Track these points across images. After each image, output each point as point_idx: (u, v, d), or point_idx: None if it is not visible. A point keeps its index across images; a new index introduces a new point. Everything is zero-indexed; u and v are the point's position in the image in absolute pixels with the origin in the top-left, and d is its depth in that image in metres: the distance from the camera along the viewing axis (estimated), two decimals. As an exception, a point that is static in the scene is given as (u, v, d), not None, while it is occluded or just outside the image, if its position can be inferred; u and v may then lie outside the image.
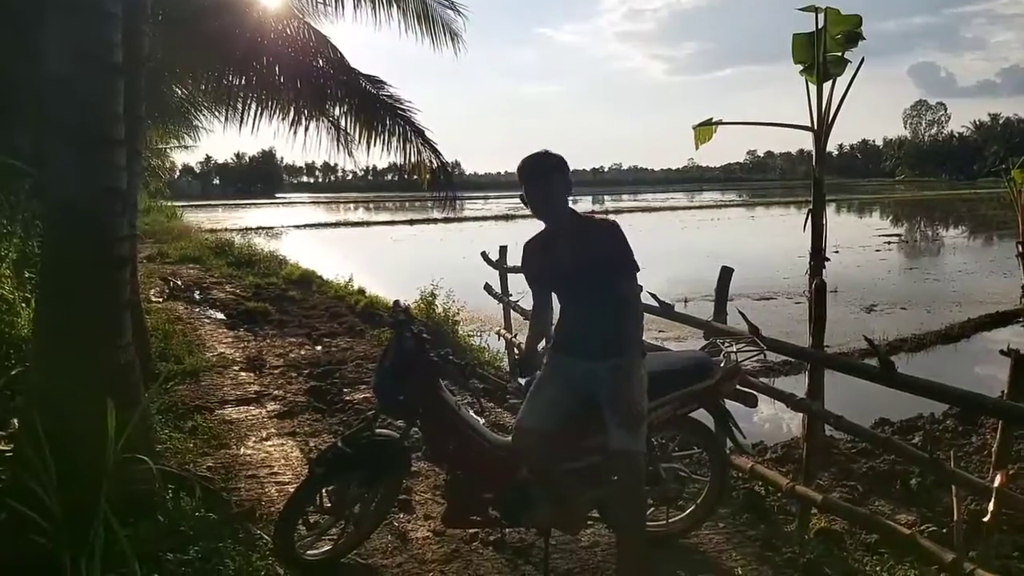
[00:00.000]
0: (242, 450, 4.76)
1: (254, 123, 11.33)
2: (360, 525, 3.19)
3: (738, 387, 4.13)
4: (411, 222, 40.30)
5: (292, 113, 10.76)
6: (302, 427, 5.20)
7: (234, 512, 3.60)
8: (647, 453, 3.01)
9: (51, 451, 3.13)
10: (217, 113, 14.04)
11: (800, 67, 5.65)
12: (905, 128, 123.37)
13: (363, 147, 11.08)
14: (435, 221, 40.68)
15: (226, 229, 33.69)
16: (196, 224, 30.91)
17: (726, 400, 4.33)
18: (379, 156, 11.29)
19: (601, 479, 3.02)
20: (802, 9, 5.40)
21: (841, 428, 3.59)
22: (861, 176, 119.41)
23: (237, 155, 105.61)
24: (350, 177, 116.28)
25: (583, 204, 68.27)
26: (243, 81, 10.84)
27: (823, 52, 5.41)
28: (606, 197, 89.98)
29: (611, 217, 3.24)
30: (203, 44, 9.78)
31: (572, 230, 2.98)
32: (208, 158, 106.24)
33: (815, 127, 5.51)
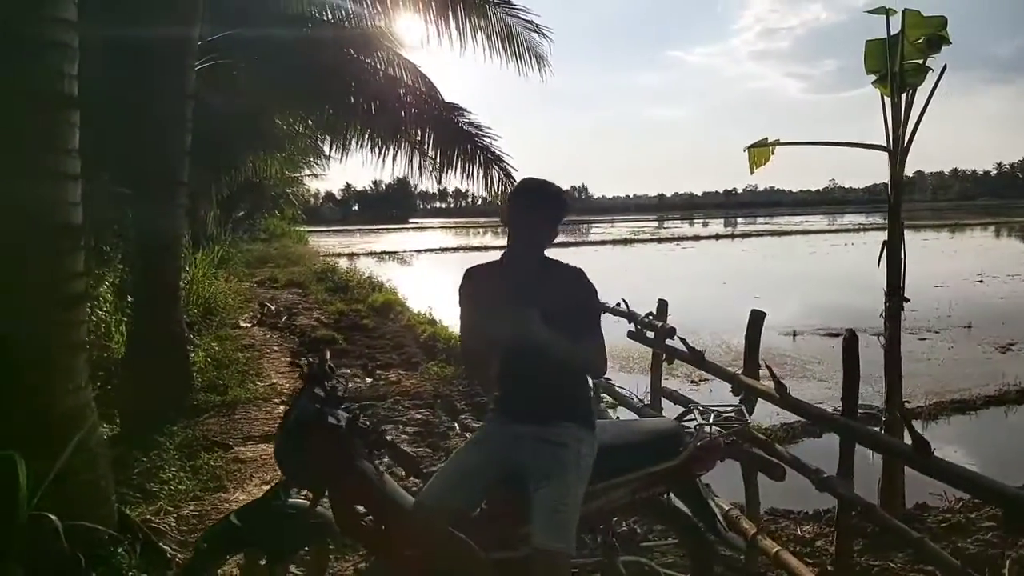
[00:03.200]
0: (236, 494, 4.54)
1: (343, 152, 11.65)
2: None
3: (765, 456, 3.54)
4: (528, 246, 40.17)
5: (380, 141, 10.92)
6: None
7: (170, 573, 3.34)
8: (587, 550, 2.50)
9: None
10: (320, 142, 14.60)
11: (873, 77, 4.91)
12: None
13: (446, 172, 11.13)
14: (552, 246, 40.44)
15: (353, 254, 35.00)
16: (320, 249, 32.15)
17: (758, 473, 3.71)
18: (459, 181, 11.26)
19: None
20: (871, 11, 4.67)
21: (871, 520, 2.90)
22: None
23: (375, 183, 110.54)
24: (480, 202, 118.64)
25: (713, 226, 66.22)
26: (335, 113, 11.15)
27: (900, 60, 4.65)
28: (739, 219, 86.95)
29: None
30: (299, 81, 10.09)
31: (535, 272, 2.58)
32: (348, 186, 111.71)
33: (890, 146, 4.75)
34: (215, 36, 8.77)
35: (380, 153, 10.94)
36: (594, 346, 2.55)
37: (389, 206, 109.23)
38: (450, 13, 9.96)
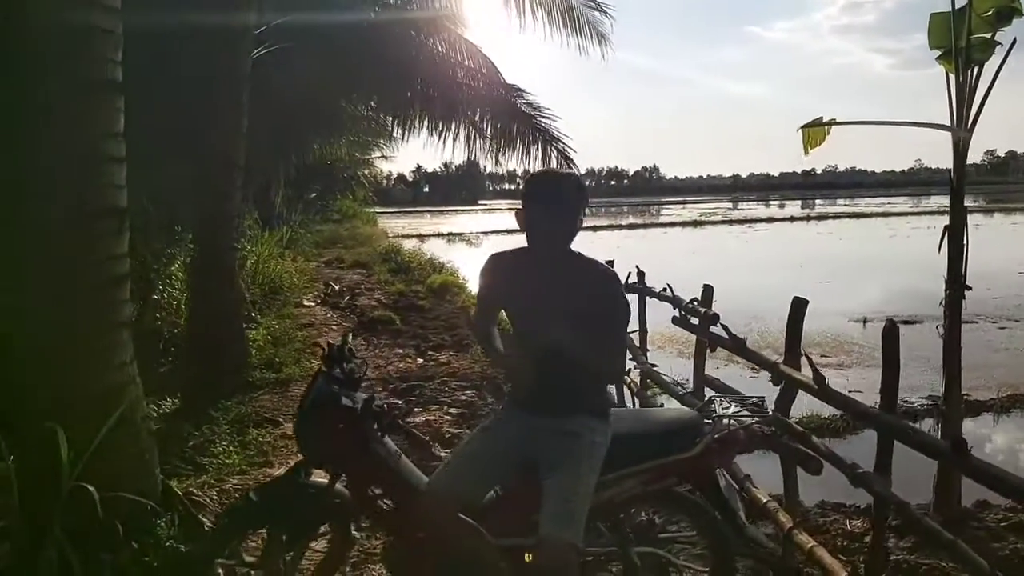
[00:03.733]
0: (280, 469, 4.64)
1: (404, 132, 11.80)
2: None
3: (801, 448, 3.43)
4: (595, 228, 39.83)
5: (440, 123, 11.01)
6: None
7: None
8: (603, 539, 2.46)
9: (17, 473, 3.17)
10: (386, 124, 14.82)
11: (937, 52, 4.65)
12: None
13: (504, 154, 11.16)
14: (619, 227, 40.02)
15: (421, 235, 35.43)
16: (389, 230, 32.60)
17: (798, 465, 3.58)
18: (517, 163, 11.28)
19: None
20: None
21: (903, 518, 2.77)
22: None
23: (445, 165, 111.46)
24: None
25: (790, 208, 64.35)
26: (396, 96, 11.29)
27: (966, 34, 4.38)
28: (817, 201, 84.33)
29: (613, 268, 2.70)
30: (361, 65, 10.24)
31: (565, 266, 2.49)
32: (419, 167, 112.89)
33: (953, 125, 4.49)
34: (278, 21, 8.93)
35: (440, 135, 11.02)
36: (610, 356, 2.49)
37: (459, 187, 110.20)
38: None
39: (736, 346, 4.13)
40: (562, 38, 10.51)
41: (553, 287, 2.44)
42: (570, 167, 10.38)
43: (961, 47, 4.39)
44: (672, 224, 43.07)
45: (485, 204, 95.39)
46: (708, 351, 4.76)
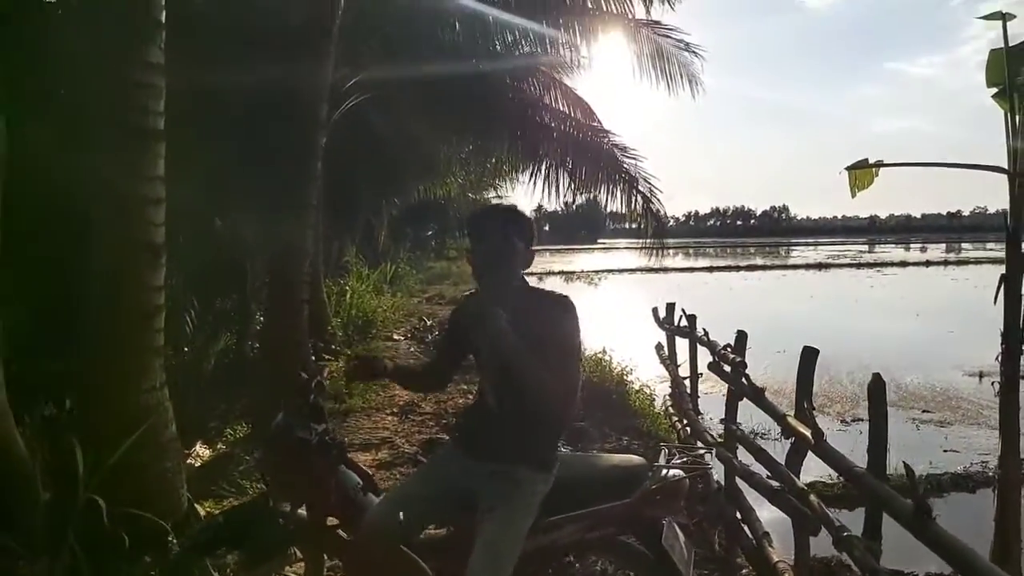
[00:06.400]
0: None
1: (495, 173, 12.13)
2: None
3: (800, 506, 3.28)
4: (710, 269, 38.85)
5: (532, 165, 11.27)
6: (385, 482, 5.16)
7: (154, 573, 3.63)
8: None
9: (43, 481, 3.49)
10: (474, 168, 15.24)
11: (993, 90, 4.36)
12: None
13: (591, 193, 11.28)
14: (736, 268, 38.83)
15: (537, 274, 35.73)
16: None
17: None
18: (606, 203, 11.35)
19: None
20: (984, 18, 4.15)
21: (876, 588, 2.58)
22: None
23: (566, 204, 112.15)
24: (671, 223, 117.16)
25: (931, 252, 60.51)
26: (489, 139, 11.68)
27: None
28: (963, 244, 79.02)
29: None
30: (457, 113, 10.67)
31: (514, 300, 2.45)
32: (540, 207, 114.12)
33: (1011, 168, 4.17)
34: (373, 71, 9.46)
35: (531, 176, 11.29)
36: (562, 385, 2.34)
37: (579, 227, 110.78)
38: (600, 35, 10.18)
39: (754, 395, 3.97)
40: (652, 81, 10.57)
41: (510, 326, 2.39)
42: (651, 207, 10.32)
43: (1018, 83, 4.11)
44: (795, 266, 41.41)
45: (604, 243, 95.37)
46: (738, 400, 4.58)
